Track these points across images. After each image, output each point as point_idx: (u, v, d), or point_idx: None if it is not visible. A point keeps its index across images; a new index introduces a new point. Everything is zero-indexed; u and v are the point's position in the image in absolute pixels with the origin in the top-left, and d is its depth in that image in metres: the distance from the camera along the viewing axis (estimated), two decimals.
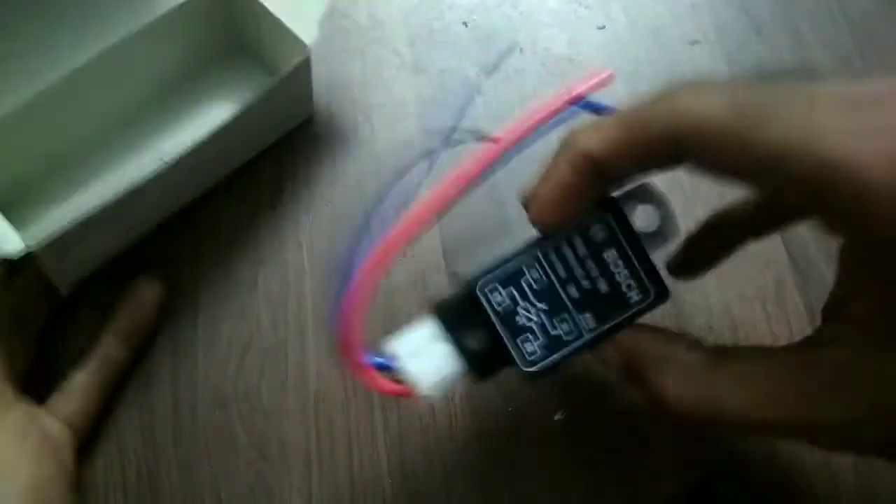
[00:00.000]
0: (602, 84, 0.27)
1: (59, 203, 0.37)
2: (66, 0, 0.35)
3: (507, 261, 0.25)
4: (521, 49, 0.40)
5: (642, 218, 0.26)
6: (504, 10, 0.41)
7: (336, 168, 0.38)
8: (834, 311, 0.25)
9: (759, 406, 0.23)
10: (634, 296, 0.25)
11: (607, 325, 0.25)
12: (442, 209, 0.27)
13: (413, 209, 0.27)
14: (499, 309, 0.25)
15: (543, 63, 0.40)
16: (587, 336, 0.25)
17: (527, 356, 0.25)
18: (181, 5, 0.35)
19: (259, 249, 0.37)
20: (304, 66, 0.35)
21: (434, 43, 0.41)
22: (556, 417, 0.33)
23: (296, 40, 0.34)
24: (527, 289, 0.25)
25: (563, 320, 0.25)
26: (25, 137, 0.34)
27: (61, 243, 0.32)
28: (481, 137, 0.28)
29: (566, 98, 0.28)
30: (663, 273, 0.26)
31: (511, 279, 0.25)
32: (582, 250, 0.25)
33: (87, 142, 0.37)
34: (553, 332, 0.25)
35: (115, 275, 0.36)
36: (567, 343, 0.25)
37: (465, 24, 0.41)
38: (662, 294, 0.25)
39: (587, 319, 0.25)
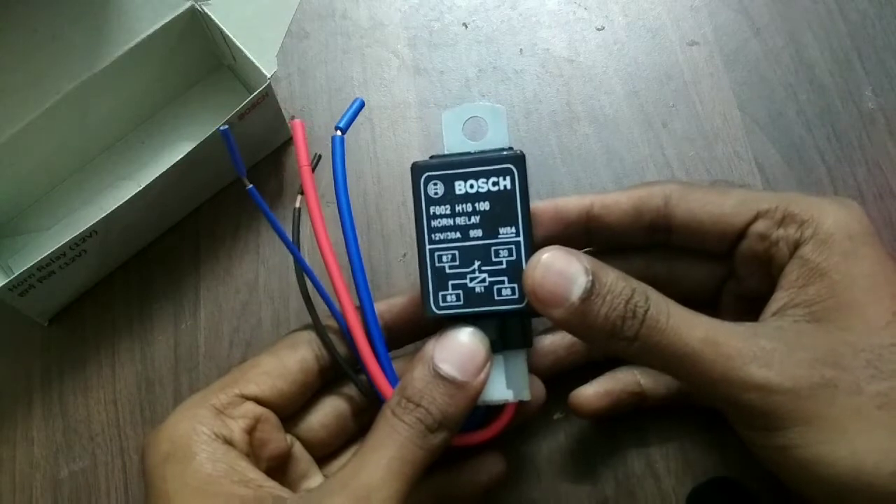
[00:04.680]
0: (304, 131, 0.29)
1: (38, 234, 0.37)
2: (41, 33, 0.36)
3: (423, 276, 0.27)
4: (520, 50, 0.40)
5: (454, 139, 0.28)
6: (504, 11, 0.41)
7: None
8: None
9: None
10: (505, 182, 0.27)
11: (519, 219, 0.27)
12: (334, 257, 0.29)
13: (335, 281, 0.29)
14: (459, 302, 0.27)
15: (543, 64, 0.40)
16: (522, 238, 0.27)
17: (513, 299, 0.27)
18: (156, 31, 0.35)
19: (260, 249, 0.37)
20: (267, 97, 0.35)
21: (434, 44, 0.41)
22: (556, 417, 0.33)
23: (258, 71, 0.34)
24: (455, 271, 0.27)
25: (496, 253, 0.27)
26: (6, 170, 0.35)
27: (41, 274, 0.33)
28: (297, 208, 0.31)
29: (307, 163, 0.29)
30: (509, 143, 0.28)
31: (439, 279, 0.27)
32: (443, 209, 0.27)
33: (68, 171, 0.38)
34: (503, 266, 0.27)
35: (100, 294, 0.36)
36: (518, 258, 0.27)
37: (464, 25, 0.41)
38: (516, 159, 0.27)
39: (507, 232, 0.27)
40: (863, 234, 0.27)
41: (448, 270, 0.27)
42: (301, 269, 0.30)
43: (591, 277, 0.25)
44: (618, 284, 0.25)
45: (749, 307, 0.28)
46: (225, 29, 0.35)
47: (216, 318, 0.36)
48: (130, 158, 0.38)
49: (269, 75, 0.33)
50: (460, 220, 0.27)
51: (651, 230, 0.30)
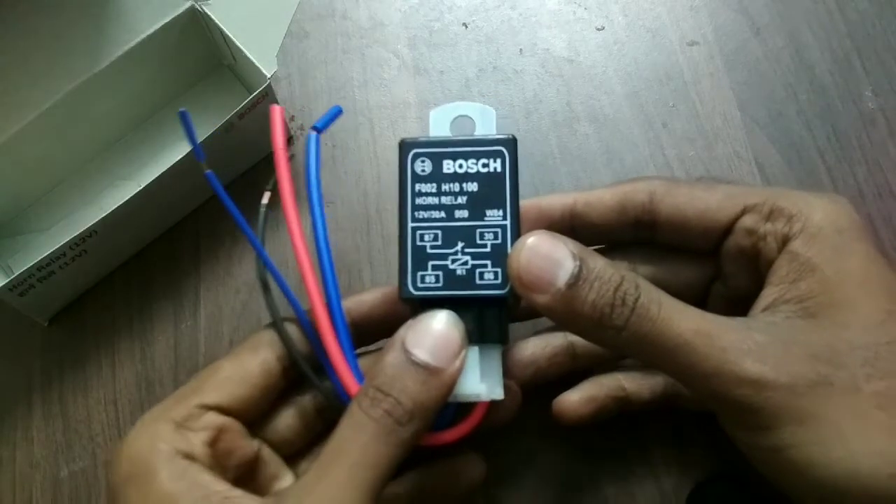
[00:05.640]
0: (282, 118, 0.28)
1: (38, 234, 0.37)
2: (41, 33, 0.35)
3: (402, 255, 0.26)
4: (520, 50, 0.40)
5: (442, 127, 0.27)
6: (503, 11, 0.41)
7: (336, 168, 0.38)
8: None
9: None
10: (495, 165, 0.26)
11: (507, 202, 0.26)
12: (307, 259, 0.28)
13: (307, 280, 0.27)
14: (438, 284, 0.26)
15: (543, 64, 0.40)
16: (509, 222, 0.26)
17: (495, 284, 0.25)
18: (156, 31, 0.35)
19: None
20: (267, 97, 0.34)
21: (434, 44, 0.41)
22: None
23: (258, 71, 0.34)
24: (436, 251, 0.26)
25: (481, 236, 0.26)
26: (6, 170, 0.35)
27: (41, 274, 0.33)
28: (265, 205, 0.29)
29: (282, 148, 0.28)
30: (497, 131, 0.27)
31: (419, 259, 0.26)
32: (429, 187, 0.26)
33: (68, 171, 0.37)
34: (487, 250, 0.26)
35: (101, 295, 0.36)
36: (504, 242, 0.26)
37: (464, 25, 0.41)
38: (507, 142, 0.26)
39: (493, 215, 0.26)
40: (852, 228, 0.26)
41: (429, 250, 0.26)
42: (262, 262, 0.29)
43: (578, 262, 0.24)
44: (606, 271, 0.24)
45: (737, 310, 0.27)
46: (225, 29, 0.35)
47: (216, 318, 0.36)
48: (130, 158, 0.38)
49: (269, 75, 0.33)
50: (446, 200, 0.26)
51: (636, 227, 0.29)
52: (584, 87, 0.40)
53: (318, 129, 0.28)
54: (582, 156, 0.38)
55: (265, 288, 0.29)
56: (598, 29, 0.41)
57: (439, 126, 0.27)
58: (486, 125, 0.27)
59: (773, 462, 0.24)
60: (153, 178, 0.32)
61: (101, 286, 0.37)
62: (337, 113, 0.29)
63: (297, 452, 0.29)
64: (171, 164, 0.33)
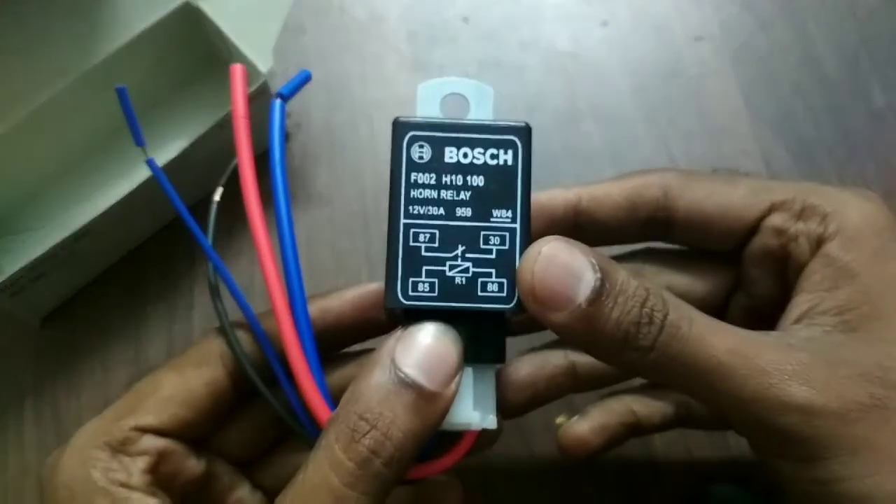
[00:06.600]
0: (245, 77, 0.25)
1: (30, 234, 0.36)
2: (34, 30, 0.35)
3: (392, 256, 0.22)
4: (523, 45, 0.40)
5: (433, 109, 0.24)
6: (505, 5, 0.41)
7: (335, 166, 0.38)
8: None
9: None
10: (506, 157, 0.23)
11: (518, 202, 0.22)
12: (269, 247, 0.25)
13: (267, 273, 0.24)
14: (433, 293, 0.22)
15: (546, 60, 0.40)
16: (519, 225, 0.22)
17: (499, 297, 0.22)
18: (151, 27, 0.34)
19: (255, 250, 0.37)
20: (261, 94, 0.33)
21: (434, 39, 0.40)
22: (558, 422, 0.33)
23: (253, 67, 0.33)
24: (432, 254, 0.22)
25: (486, 239, 0.22)
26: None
27: (33, 275, 0.32)
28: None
29: (242, 113, 0.25)
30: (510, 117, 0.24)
31: (412, 262, 0.22)
32: (427, 178, 0.23)
33: (60, 170, 0.37)
34: (492, 256, 0.22)
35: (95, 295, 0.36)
36: (511, 248, 0.22)
37: (465, 20, 0.41)
38: (520, 131, 0.23)
39: (501, 216, 0.22)
40: (889, 228, 0.24)
41: (424, 253, 0.22)
42: (212, 263, 0.26)
43: (599, 275, 0.21)
44: (630, 284, 0.21)
45: (760, 323, 0.25)
46: (219, 25, 0.34)
47: (211, 319, 0.35)
48: (124, 157, 0.37)
49: (264, 71, 0.33)
50: (447, 194, 0.22)
51: (647, 226, 0.27)
52: (587, 83, 0.39)
53: (284, 96, 0.25)
54: (586, 153, 0.38)
55: (214, 292, 0.26)
56: (602, 24, 0.40)
57: (428, 103, 0.24)
58: (483, 106, 0.24)
59: (820, 495, 0.22)
60: (146, 177, 0.32)
61: (94, 286, 0.36)
62: (305, 78, 0.26)
63: (253, 459, 0.27)
64: (165, 162, 0.32)
